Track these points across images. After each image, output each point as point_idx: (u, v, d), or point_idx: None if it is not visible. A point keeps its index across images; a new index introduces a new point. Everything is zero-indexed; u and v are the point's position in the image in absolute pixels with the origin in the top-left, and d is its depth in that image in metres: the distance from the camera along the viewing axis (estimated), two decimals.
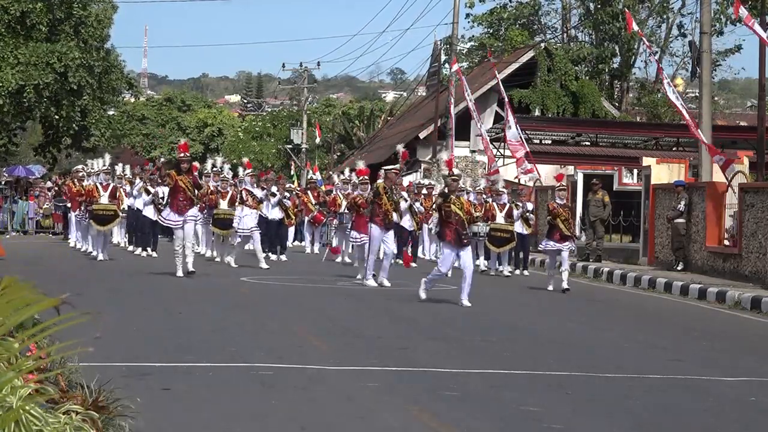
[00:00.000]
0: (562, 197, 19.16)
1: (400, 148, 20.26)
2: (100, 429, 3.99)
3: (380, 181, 18.34)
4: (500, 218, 22.09)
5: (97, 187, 23.04)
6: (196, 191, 18.46)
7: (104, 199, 22.91)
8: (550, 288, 18.68)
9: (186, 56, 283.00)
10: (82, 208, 25.17)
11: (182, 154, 18.79)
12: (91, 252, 23.91)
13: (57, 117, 40.12)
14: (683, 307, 17.52)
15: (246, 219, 22.44)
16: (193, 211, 18.41)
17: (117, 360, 9.00)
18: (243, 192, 22.79)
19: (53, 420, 3.72)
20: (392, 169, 18.56)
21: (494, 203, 22.38)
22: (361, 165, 20.43)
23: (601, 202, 25.13)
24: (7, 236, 31.82)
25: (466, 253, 15.42)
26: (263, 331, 11.89)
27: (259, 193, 23.30)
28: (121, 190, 24.13)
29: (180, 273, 17.94)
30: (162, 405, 7.30)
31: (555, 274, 18.83)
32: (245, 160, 25.37)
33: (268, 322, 12.80)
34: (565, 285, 18.47)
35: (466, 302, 15.12)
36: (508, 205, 22.47)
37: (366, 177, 20.20)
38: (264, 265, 21.49)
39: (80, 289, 16.37)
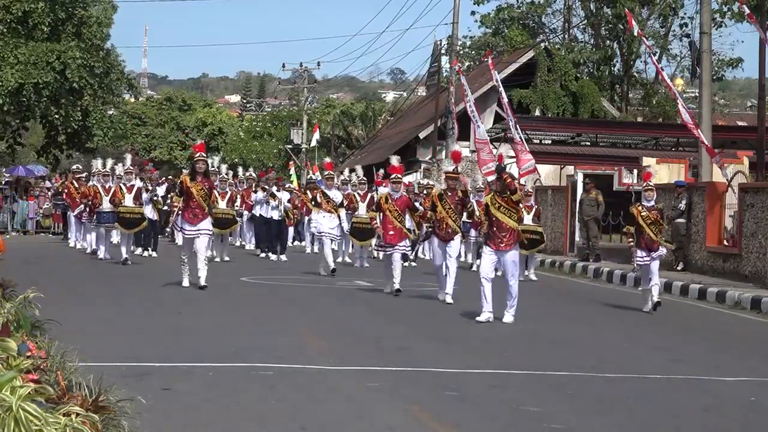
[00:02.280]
0: (650, 198, 15.97)
1: (457, 146, 18.46)
2: (99, 429, 3.99)
3: (436, 187, 16.74)
4: (528, 219, 21.30)
5: (120, 188, 21.99)
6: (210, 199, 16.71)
7: (129, 201, 21.90)
8: (646, 309, 15.79)
9: (186, 56, 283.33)
10: (86, 209, 25.02)
11: (198, 155, 16.93)
12: (98, 253, 23.53)
13: (56, 116, 40.15)
14: (683, 307, 17.51)
15: (324, 221, 20.58)
16: (207, 223, 16.57)
17: (117, 360, 9.01)
18: (318, 195, 21.13)
19: (53, 420, 3.72)
20: (451, 172, 16.05)
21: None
22: (395, 161, 17.80)
23: (594, 202, 25.11)
24: (7, 236, 31.83)
25: (510, 257, 13.62)
26: (263, 331, 11.89)
27: (338, 195, 21.30)
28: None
29: (186, 282, 16.47)
30: (162, 405, 7.30)
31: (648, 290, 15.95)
32: (327, 160, 22.78)
33: (268, 322, 12.80)
34: (655, 297, 15.80)
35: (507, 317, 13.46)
36: (535, 206, 21.94)
37: (399, 176, 18.46)
38: (323, 272, 20.24)
39: (80, 288, 16.41)
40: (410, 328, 12.73)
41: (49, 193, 34.26)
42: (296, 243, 30.94)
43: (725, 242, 21.78)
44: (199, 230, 16.39)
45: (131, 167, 22.57)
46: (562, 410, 8.03)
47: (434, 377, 9.25)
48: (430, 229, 16.03)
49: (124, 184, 22.09)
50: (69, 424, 3.76)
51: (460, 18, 43.56)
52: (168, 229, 22.45)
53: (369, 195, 23.75)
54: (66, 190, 28.44)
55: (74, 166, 31.39)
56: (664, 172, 25.77)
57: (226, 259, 23.71)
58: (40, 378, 4.16)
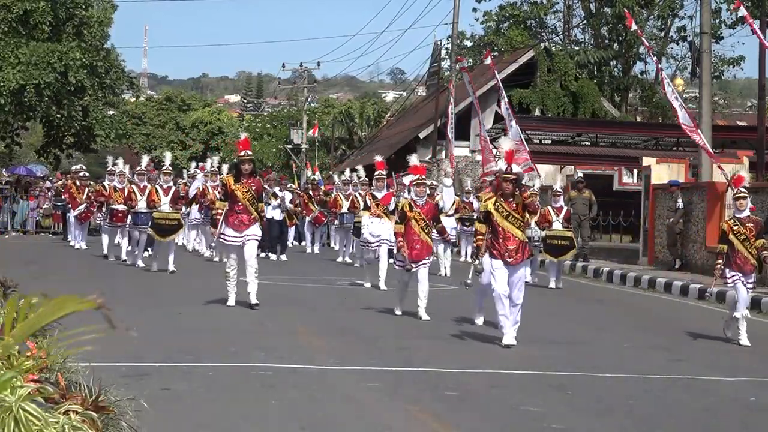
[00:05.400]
0: (742, 208, 13.08)
1: (504, 142, 13.33)
2: (99, 429, 3.99)
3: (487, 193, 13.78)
4: (557, 224, 19.49)
5: (156, 190, 20.10)
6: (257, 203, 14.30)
7: (165, 206, 19.96)
8: (744, 342, 12.81)
9: (186, 56, 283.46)
10: (99, 209, 24.45)
11: (243, 153, 14.48)
12: (123, 259, 22.43)
13: (58, 116, 40.18)
14: (683, 307, 17.52)
15: (373, 227, 18.24)
16: (255, 229, 14.17)
17: (117, 360, 9.01)
18: (367, 197, 19.07)
19: (53, 420, 3.72)
20: (507, 173, 11.72)
21: (550, 207, 19.70)
22: (414, 161, 14.94)
23: (588, 201, 25.00)
24: (7, 236, 31.82)
25: (519, 273, 11.74)
26: (263, 331, 11.90)
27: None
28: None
29: (232, 302, 14.14)
30: (162, 405, 7.30)
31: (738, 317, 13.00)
32: (378, 159, 19.84)
33: (268, 322, 12.80)
34: (743, 339, 12.80)
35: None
36: (565, 208, 19.93)
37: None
38: (383, 285, 17.54)
39: (80, 288, 16.40)
40: (410, 328, 12.73)
41: (50, 194, 34.23)
42: (296, 243, 30.95)
43: None
44: (245, 236, 14.09)
45: (170, 168, 20.76)
46: (562, 410, 8.03)
47: (434, 377, 9.25)
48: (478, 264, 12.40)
49: (161, 186, 20.29)
50: (68, 423, 3.76)
51: (461, 18, 43.53)
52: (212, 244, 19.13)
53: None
54: (67, 190, 28.27)
55: (75, 166, 31.29)
56: (664, 172, 25.76)
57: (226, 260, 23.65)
58: (41, 378, 4.16)
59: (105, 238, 23.49)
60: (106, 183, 24.33)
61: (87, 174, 28.71)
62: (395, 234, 14.43)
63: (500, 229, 11.47)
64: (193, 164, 27.75)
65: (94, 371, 5.02)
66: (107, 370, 7.00)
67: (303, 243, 30.33)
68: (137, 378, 8.31)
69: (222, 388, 8.33)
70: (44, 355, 4.37)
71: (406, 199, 15.01)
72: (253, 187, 14.20)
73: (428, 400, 8.19)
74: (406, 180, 15.90)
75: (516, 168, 11.77)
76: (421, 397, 8.26)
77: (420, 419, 7.51)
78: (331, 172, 44.22)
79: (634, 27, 26.29)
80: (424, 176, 14.50)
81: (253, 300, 13.94)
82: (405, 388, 8.69)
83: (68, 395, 4.14)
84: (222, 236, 14.24)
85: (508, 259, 11.41)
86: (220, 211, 14.32)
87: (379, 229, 18.17)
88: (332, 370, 9.37)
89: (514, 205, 11.54)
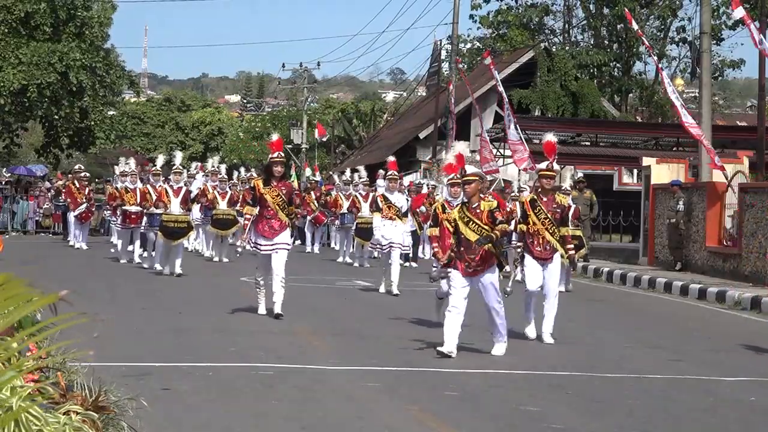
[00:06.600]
0: None
1: (550, 136, 14.37)
2: (100, 429, 3.99)
3: (525, 193, 13.30)
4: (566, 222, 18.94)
5: (166, 191, 19.34)
6: (289, 206, 13.77)
7: (175, 207, 19.25)
8: None
9: (186, 56, 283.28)
10: (115, 212, 23.77)
11: (276, 154, 13.62)
12: (128, 261, 22.00)
13: (56, 117, 40.17)
14: (683, 307, 17.51)
15: (385, 230, 17.61)
16: (285, 236, 13.89)
17: (117, 360, 9.01)
18: (378, 199, 18.24)
19: (53, 420, 3.72)
20: (546, 170, 13.06)
21: None
22: (391, 158, 14.06)
23: (589, 201, 24.99)
24: (7, 236, 31.80)
25: (486, 279, 10.98)
26: (263, 331, 11.90)
27: (401, 200, 18.15)
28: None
29: (262, 309, 13.73)
30: (162, 405, 7.30)
31: None
32: (390, 159, 18.78)
33: (268, 322, 12.81)
34: None
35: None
36: (574, 206, 18.44)
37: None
38: (396, 290, 16.95)
39: (80, 289, 16.40)
40: (410, 328, 12.73)
41: (50, 194, 34.20)
42: (296, 243, 30.93)
43: (725, 242, 21.78)
44: (275, 245, 13.76)
45: (180, 167, 20.07)
46: (562, 410, 8.04)
47: (434, 377, 9.25)
48: (518, 248, 12.41)
49: (171, 186, 19.52)
50: (69, 423, 3.76)
51: (460, 18, 43.55)
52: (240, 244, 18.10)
53: (371, 195, 23.68)
54: (68, 190, 28.22)
55: (76, 166, 31.28)
56: (664, 172, 25.76)
57: (225, 260, 23.68)
58: (41, 378, 4.16)
59: (119, 244, 22.89)
60: (118, 185, 24.02)
61: (87, 174, 28.66)
62: (430, 238, 13.38)
63: (463, 236, 10.76)
64: (194, 164, 27.75)
65: (94, 371, 5.03)
66: (107, 370, 7.00)
67: (303, 243, 30.30)
68: (137, 378, 8.31)
69: (222, 388, 8.33)
70: (44, 355, 4.37)
71: (439, 200, 14.07)
72: (284, 191, 13.62)
73: (428, 400, 8.19)
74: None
75: (472, 169, 11.02)
76: (421, 397, 8.26)
77: (420, 419, 7.52)
78: (331, 172, 44.23)
79: (635, 26, 26.29)
80: (458, 175, 12.75)
81: (278, 310, 13.41)
82: (405, 388, 8.69)
83: (68, 395, 4.14)
84: (256, 245, 13.75)
85: (468, 270, 10.70)
86: (248, 216, 13.77)
87: (391, 231, 17.65)
88: (332, 370, 9.37)
89: (479, 211, 10.76)
